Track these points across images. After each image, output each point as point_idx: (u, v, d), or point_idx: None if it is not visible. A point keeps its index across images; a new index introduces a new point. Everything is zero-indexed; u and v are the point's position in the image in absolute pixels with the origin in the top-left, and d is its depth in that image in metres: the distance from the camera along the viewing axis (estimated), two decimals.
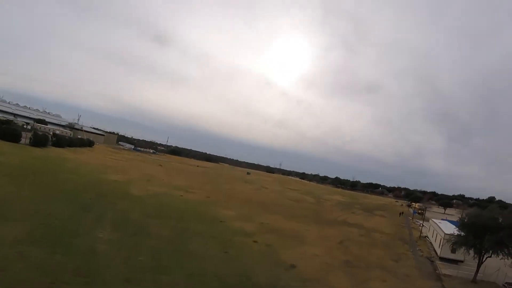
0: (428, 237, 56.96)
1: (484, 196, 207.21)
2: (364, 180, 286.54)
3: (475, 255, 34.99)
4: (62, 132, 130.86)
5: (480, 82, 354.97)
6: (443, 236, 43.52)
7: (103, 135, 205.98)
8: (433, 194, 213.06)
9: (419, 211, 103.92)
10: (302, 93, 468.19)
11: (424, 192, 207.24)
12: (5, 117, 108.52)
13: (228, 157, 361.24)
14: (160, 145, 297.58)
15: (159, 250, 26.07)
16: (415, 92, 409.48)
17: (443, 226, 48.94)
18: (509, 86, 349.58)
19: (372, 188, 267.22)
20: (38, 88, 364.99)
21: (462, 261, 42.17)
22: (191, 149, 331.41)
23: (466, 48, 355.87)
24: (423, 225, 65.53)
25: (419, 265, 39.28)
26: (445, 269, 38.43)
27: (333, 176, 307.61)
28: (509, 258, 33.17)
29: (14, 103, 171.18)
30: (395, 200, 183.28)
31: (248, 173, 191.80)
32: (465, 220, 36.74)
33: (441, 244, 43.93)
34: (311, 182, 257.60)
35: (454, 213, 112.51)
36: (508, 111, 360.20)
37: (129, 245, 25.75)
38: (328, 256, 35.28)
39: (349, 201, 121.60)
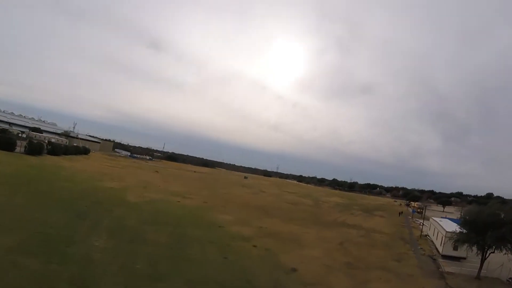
0: (429, 236, 56.58)
1: (482, 193, 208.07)
2: (361, 181, 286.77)
3: (478, 252, 34.75)
4: (58, 140, 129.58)
5: (474, 81, 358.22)
6: (444, 234, 43.18)
7: (99, 142, 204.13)
8: (431, 192, 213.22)
9: (418, 210, 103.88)
10: (297, 96, 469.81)
11: (422, 191, 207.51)
12: (0, 126, 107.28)
13: (225, 162, 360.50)
14: (157, 151, 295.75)
15: (156, 257, 25.43)
16: (410, 92, 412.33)
17: (444, 224, 48.60)
18: (504, 84, 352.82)
19: (370, 188, 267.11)
20: (33, 96, 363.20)
21: (464, 258, 41.87)
22: (187, 155, 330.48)
23: (459, 47, 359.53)
24: (423, 224, 65.10)
25: (422, 264, 38.88)
26: (448, 267, 38.02)
27: (330, 178, 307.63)
28: None
29: (9, 111, 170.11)
30: (394, 200, 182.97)
31: (245, 177, 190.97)
32: (467, 217, 36.50)
33: (442, 242, 43.56)
34: (309, 185, 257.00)
35: (453, 211, 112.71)
36: (503, 109, 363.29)
37: (125, 253, 25.11)
38: (328, 258, 34.75)
39: (347, 202, 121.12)
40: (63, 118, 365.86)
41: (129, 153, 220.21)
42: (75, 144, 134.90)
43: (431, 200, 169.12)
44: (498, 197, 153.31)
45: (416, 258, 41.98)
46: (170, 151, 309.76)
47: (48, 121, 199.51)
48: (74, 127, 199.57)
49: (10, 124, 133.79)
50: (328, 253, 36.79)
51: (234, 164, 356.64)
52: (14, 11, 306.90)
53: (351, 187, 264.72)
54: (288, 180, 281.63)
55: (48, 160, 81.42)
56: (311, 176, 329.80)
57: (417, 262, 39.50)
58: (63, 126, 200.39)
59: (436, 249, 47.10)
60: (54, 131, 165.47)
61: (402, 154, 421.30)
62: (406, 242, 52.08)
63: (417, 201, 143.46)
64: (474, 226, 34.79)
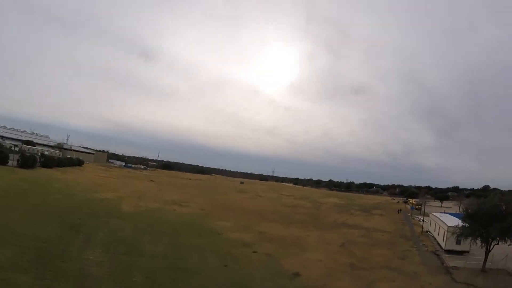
0: (430, 232, 56.02)
1: (478, 186, 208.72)
2: (357, 181, 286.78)
3: (483, 244, 34.37)
4: (51, 153, 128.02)
5: (462, 76, 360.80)
6: (446, 229, 42.69)
7: (93, 153, 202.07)
8: (428, 188, 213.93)
9: (417, 207, 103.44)
10: (290, 100, 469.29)
11: (419, 188, 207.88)
12: None
13: (221, 168, 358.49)
14: (151, 160, 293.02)
15: (153, 269, 24.50)
16: (401, 91, 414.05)
17: (445, 219, 48.13)
18: (491, 77, 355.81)
19: (367, 188, 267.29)
20: (26, 109, 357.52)
21: (467, 252, 41.45)
22: (182, 163, 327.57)
23: (446, 43, 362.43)
24: (423, 220, 64.58)
25: (426, 260, 38.36)
26: (452, 262, 37.49)
27: (326, 180, 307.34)
28: None
29: (1, 125, 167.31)
30: (391, 197, 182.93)
31: (241, 183, 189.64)
32: (469, 211, 36.04)
33: (445, 237, 43.01)
34: (306, 187, 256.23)
35: (452, 205, 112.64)
36: (492, 102, 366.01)
37: (121, 266, 24.11)
38: (331, 260, 34.00)
39: (345, 202, 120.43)
40: (56, 130, 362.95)
41: (123, 163, 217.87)
42: (68, 156, 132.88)
43: (428, 196, 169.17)
44: (495, 189, 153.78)
45: (420, 254, 41.38)
46: (164, 160, 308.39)
47: (41, 134, 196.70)
48: (67, 139, 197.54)
49: (2, 137, 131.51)
50: (331, 255, 36.02)
51: (230, 170, 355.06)
52: (4, 23, 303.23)
53: (348, 187, 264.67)
54: (284, 184, 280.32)
55: (41, 172, 79.83)
56: (307, 178, 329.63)
57: (421, 259, 38.94)
58: (57, 138, 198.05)
59: (439, 244, 46.52)
60: (47, 144, 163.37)
61: (396, 152, 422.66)
62: (408, 239, 51.50)
63: (414, 197, 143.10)
64: (477, 218, 34.40)
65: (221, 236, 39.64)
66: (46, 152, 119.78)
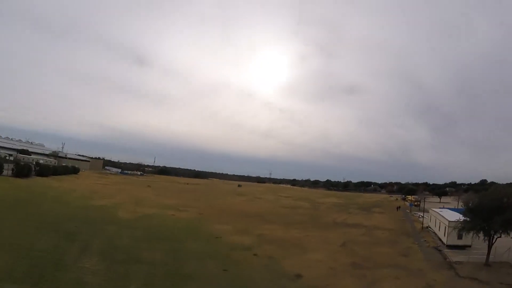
0: (430, 227, 55.72)
1: (475, 180, 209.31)
2: (355, 180, 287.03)
3: (485, 238, 34.20)
4: (46, 161, 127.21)
5: (456, 72, 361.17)
6: (447, 224, 42.45)
7: (88, 161, 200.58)
8: (426, 185, 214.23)
9: (415, 203, 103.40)
10: (285, 102, 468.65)
11: (416, 184, 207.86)
12: None
13: (218, 172, 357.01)
14: (148, 166, 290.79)
15: (152, 276, 23.80)
16: (395, 89, 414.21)
17: (445, 214, 47.90)
18: (484, 72, 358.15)
19: (364, 186, 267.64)
20: (20, 118, 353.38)
21: (469, 246, 41.22)
22: (179, 168, 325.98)
23: (439, 40, 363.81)
24: (423, 217, 64.30)
25: (428, 256, 38.09)
26: (454, 257, 37.21)
27: (324, 180, 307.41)
28: None
29: None
30: (389, 195, 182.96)
31: (239, 185, 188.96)
32: (470, 205, 35.76)
33: (446, 232, 42.69)
34: (303, 188, 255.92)
35: (450, 201, 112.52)
36: (487, 98, 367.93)
37: (119, 274, 23.42)
38: (333, 260, 33.50)
39: (344, 202, 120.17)
40: (51, 138, 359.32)
41: (119, 170, 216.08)
42: (64, 164, 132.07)
43: (426, 192, 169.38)
44: (492, 182, 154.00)
45: (422, 251, 41.07)
46: (161, 165, 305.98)
47: (36, 143, 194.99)
48: (62, 147, 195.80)
49: None
50: (332, 255, 35.53)
51: (227, 173, 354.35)
52: None
53: (346, 186, 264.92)
54: (282, 185, 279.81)
55: (36, 181, 78.76)
56: (304, 179, 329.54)
57: (423, 255, 38.65)
58: (52, 146, 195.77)
59: (440, 240, 46.21)
60: (42, 152, 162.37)
61: (392, 150, 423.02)
62: (409, 236, 51.16)
63: (412, 194, 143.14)
64: (478, 212, 34.18)
65: (220, 240, 39.00)
66: (41, 161, 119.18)
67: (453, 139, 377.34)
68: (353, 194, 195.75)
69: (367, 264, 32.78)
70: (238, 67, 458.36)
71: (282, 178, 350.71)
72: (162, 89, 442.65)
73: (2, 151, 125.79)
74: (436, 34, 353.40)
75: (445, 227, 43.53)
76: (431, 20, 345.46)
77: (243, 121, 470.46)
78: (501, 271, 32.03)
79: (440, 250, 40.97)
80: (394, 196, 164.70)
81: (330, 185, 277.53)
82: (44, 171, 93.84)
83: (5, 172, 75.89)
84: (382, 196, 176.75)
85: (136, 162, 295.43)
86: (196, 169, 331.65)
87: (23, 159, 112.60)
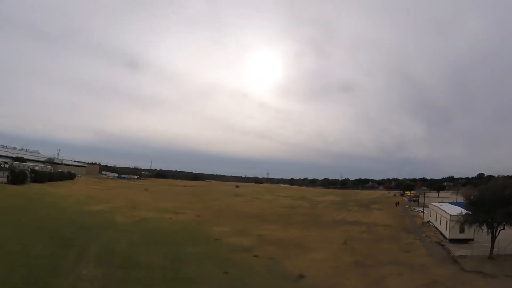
0: (431, 222, 55.31)
1: (472, 174, 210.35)
2: (352, 177, 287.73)
3: (488, 231, 33.87)
4: (42, 168, 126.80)
5: (450, 67, 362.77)
6: (449, 218, 42.00)
7: (84, 166, 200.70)
8: (423, 180, 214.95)
9: (414, 199, 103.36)
10: (280, 102, 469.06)
11: (414, 180, 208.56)
12: None
13: (215, 174, 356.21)
14: (144, 170, 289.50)
15: (150, 281, 23.05)
16: (389, 86, 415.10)
17: (446, 208, 47.55)
18: (478, 67, 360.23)
19: (362, 183, 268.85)
20: (15, 126, 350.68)
21: (472, 240, 40.85)
22: (176, 170, 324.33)
23: (432, 36, 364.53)
24: (423, 212, 63.93)
25: (431, 251, 37.65)
26: (457, 251, 36.81)
27: (321, 178, 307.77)
28: None
29: None
30: (387, 192, 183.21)
31: (237, 186, 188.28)
32: (472, 198, 35.37)
33: (448, 226, 42.26)
34: (301, 187, 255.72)
35: (449, 195, 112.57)
36: (481, 91, 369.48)
37: (116, 280, 22.70)
38: (335, 259, 32.86)
39: (342, 199, 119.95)
40: (46, 145, 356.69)
41: (116, 174, 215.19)
42: (59, 170, 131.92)
43: (424, 188, 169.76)
44: (489, 176, 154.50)
45: (424, 246, 40.62)
46: (158, 168, 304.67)
47: (31, 150, 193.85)
48: (58, 154, 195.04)
49: None
50: (334, 254, 34.91)
51: (224, 175, 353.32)
52: None
53: (344, 184, 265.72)
54: (280, 185, 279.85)
55: (32, 188, 78.12)
56: (302, 178, 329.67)
57: (426, 251, 38.22)
58: (47, 153, 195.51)
59: (442, 234, 45.80)
60: (38, 159, 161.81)
61: (388, 146, 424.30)
62: (410, 231, 50.74)
63: (411, 190, 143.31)
64: (480, 205, 33.88)
65: (219, 242, 38.27)
66: (36, 168, 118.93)
67: (448, 134, 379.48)
68: (351, 191, 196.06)
69: (370, 262, 32.17)
70: (232, 69, 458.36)
71: (279, 178, 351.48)
72: (156, 93, 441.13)
73: None
74: (428, 30, 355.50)
75: (447, 221, 43.13)
76: (423, 17, 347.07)
77: (239, 122, 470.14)
78: (505, 264, 31.63)
79: (442, 245, 40.56)
80: (393, 192, 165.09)
81: (328, 184, 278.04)
82: (39, 177, 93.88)
83: (0, 180, 75.42)
84: (380, 193, 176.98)
85: (133, 166, 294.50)
86: (194, 172, 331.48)
87: (19, 166, 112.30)
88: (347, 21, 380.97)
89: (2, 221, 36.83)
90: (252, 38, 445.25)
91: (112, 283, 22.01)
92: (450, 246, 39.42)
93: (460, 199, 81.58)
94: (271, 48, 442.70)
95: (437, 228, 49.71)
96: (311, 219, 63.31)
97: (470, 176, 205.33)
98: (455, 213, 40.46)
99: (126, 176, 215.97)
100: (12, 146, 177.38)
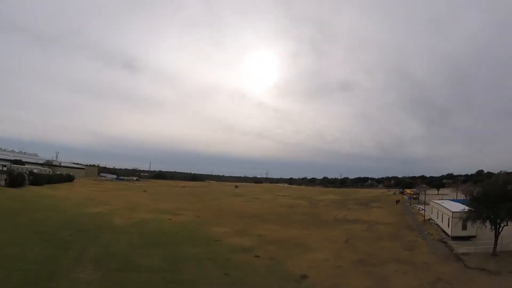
0: (432, 220, 54.90)
1: (471, 171, 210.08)
2: (352, 176, 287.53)
3: (492, 227, 33.64)
4: (41, 171, 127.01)
5: (448, 65, 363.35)
6: (451, 215, 41.54)
7: (83, 168, 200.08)
8: (423, 178, 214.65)
9: (414, 196, 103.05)
10: (278, 101, 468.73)
11: (413, 178, 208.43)
12: None
13: (214, 174, 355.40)
14: (143, 171, 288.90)
15: (149, 284, 22.59)
16: (388, 84, 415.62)
17: (447, 205, 47.17)
18: (476, 65, 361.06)
19: (361, 182, 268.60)
20: (13, 129, 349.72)
21: (474, 236, 40.54)
22: (175, 171, 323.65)
23: (430, 34, 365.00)
24: (425, 209, 63.55)
25: (434, 249, 37.39)
26: (460, 248, 36.45)
27: (321, 177, 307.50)
28: None
29: None
30: (387, 190, 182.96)
31: (236, 186, 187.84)
32: (474, 194, 35.02)
33: (450, 223, 41.84)
34: (301, 186, 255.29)
35: (449, 192, 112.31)
36: (478, 88, 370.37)
37: (114, 283, 22.23)
38: (338, 258, 32.43)
39: (342, 198, 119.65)
40: (45, 148, 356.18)
41: (115, 176, 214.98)
42: (58, 173, 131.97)
43: (424, 185, 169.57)
44: (489, 172, 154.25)
45: (426, 244, 40.31)
46: (157, 170, 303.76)
47: (30, 153, 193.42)
48: (57, 156, 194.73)
49: None
50: (336, 253, 34.49)
51: (224, 175, 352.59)
52: None
53: (343, 183, 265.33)
54: (279, 184, 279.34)
55: (30, 190, 77.79)
56: (301, 177, 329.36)
57: (429, 248, 37.98)
58: (46, 156, 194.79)
59: (444, 231, 45.41)
60: (36, 162, 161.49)
61: (388, 145, 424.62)
62: (411, 229, 50.38)
63: (411, 188, 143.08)
64: (483, 201, 33.65)
65: (219, 243, 37.77)
66: (35, 170, 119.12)
67: (447, 132, 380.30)
68: (350, 190, 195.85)
69: (373, 260, 31.75)
70: (230, 69, 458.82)
71: (279, 177, 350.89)
72: (155, 94, 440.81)
73: None
74: (426, 29, 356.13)
75: (449, 218, 42.73)
76: (421, 15, 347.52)
77: (237, 122, 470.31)
78: (509, 260, 31.29)
79: (445, 242, 40.19)
80: (392, 191, 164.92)
81: (327, 182, 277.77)
82: (38, 180, 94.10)
83: None
84: (379, 191, 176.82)
85: (132, 168, 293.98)
86: (193, 172, 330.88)
87: (17, 169, 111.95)
88: (345, 20, 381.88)
89: None
90: (251, 38, 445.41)
91: (110, 286, 21.54)
92: (452, 243, 39.04)
93: (460, 196, 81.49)
94: (269, 48, 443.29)
95: (438, 226, 49.31)
96: (312, 218, 62.83)
97: (469, 174, 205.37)
98: (457, 210, 40.09)
99: (125, 177, 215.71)
100: (10, 149, 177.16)
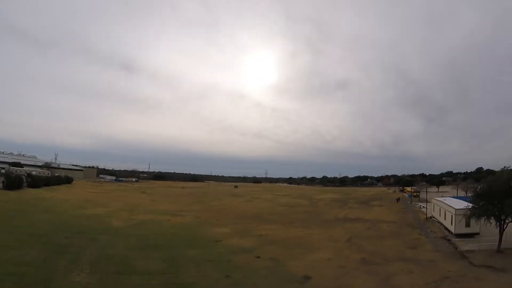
0: (434, 217, 54.32)
1: (471, 168, 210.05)
2: (351, 175, 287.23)
3: (497, 224, 33.25)
4: (39, 173, 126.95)
5: (446, 62, 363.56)
6: (454, 212, 40.96)
7: (82, 170, 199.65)
8: (422, 176, 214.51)
9: (414, 194, 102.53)
10: (276, 101, 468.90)
11: (413, 176, 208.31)
12: None
13: (214, 174, 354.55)
14: (142, 172, 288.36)
15: None
16: (385, 82, 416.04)
17: (450, 202, 46.63)
18: (473, 61, 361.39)
19: (361, 181, 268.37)
20: (12, 131, 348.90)
21: (478, 234, 40.06)
22: (174, 172, 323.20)
23: (427, 31, 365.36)
24: (426, 207, 63.00)
25: (438, 247, 36.80)
26: (465, 245, 35.91)
27: (320, 176, 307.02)
28: None
29: None
30: (387, 188, 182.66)
31: (235, 187, 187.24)
32: (478, 190, 34.51)
33: (453, 220, 41.26)
34: (300, 186, 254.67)
35: (449, 190, 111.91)
36: (475, 85, 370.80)
37: (112, 287, 21.57)
38: (341, 258, 31.74)
39: (342, 197, 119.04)
40: (44, 150, 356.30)
41: (114, 178, 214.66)
42: (57, 175, 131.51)
43: (423, 183, 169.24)
44: (488, 170, 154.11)
45: (430, 242, 39.73)
46: (156, 171, 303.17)
47: (28, 155, 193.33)
48: (55, 158, 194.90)
49: None
50: (339, 253, 33.79)
51: (223, 176, 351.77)
52: None
53: (342, 181, 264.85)
54: (278, 184, 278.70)
55: (28, 193, 77.21)
56: (300, 177, 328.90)
57: (432, 246, 37.40)
58: (45, 158, 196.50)
59: (447, 229, 44.82)
60: (35, 164, 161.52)
61: (386, 143, 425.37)
62: (414, 227, 49.79)
63: (410, 186, 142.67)
64: (488, 197, 33.21)
65: (219, 244, 37.07)
66: (33, 172, 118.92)
67: (446, 129, 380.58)
68: (350, 189, 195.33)
69: (377, 259, 31.11)
70: (228, 69, 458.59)
71: (278, 177, 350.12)
72: (153, 95, 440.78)
73: None
74: (423, 25, 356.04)
75: (452, 216, 42.14)
76: (418, 12, 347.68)
77: (236, 123, 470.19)
78: None
79: (449, 240, 39.61)
80: (392, 189, 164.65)
81: (326, 182, 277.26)
82: (36, 182, 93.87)
83: None
84: (379, 189, 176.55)
85: (131, 169, 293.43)
86: (192, 173, 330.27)
87: (15, 171, 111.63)
88: (342, 19, 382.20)
89: None
90: (249, 38, 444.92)
91: None
92: (456, 240, 38.47)
93: (461, 194, 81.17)
94: (267, 48, 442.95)
95: (441, 223, 48.74)
96: (312, 217, 62.21)
97: (468, 171, 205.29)
98: (460, 207, 39.53)
99: (124, 179, 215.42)
100: (9, 152, 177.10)
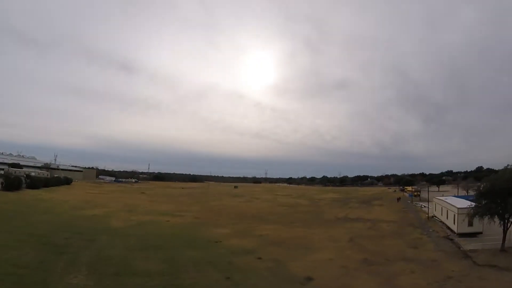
0: (436, 217, 53.94)
1: (471, 167, 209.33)
2: (351, 174, 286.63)
3: (500, 223, 32.96)
4: (38, 174, 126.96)
5: (445, 61, 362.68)
6: (457, 211, 40.56)
7: (81, 171, 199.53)
8: (422, 175, 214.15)
9: (415, 194, 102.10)
10: (275, 101, 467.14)
11: (413, 175, 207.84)
12: None
13: (213, 175, 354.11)
14: (142, 173, 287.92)
15: None
16: (384, 82, 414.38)
17: (452, 201, 46.24)
18: (472, 60, 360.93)
19: (361, 180, 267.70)
20: (11, 132, 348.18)
21: (480, 233, 39.66)
22: (174, 173, 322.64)
23: (425, 30, 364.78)
24: (428, 206, 62.57)
25: (440, 246, 36.50)
26: (467, 245, 35.54)
27: (320, 176, 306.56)
28: None
29: None
30: (387, 188, 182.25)
31: (235, 187, 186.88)
32: (481, 189, 34.15)
33: (456, 219, 40.87)
34: (300, 186, 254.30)
35: (449, 189, 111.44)
36: (475, 84, 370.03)
37: None
38: (343, 258, 31.43)
39: (342, 197, 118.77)
40: (43, 151, 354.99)
41: (113, 178, 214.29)
42: (56, 176, 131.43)
43: (424, 182, 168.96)
44: (488, 169, 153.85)
45: (432, 241, 39.41)
46: (156, 171, 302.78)
47: (27, 156, 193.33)
48: (55, 159, 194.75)
49: None
50: (341, 253, 33.47)
51: (223, 176, 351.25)
52: None
53: (342, 181, 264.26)
54: (278, 184, 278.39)
55: (27, 194, 77.17)
56: (300, 177, 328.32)
57: (435, 246, 37.12)
58: (44, 159, 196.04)
59: (449, 228, 44.46)
60: (34, 165, 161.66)
61: (386, 142, 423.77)
62: (415, 227, 49.45)
63: (411, 185, 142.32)
64: (491, 196, 32.86)
65: (220, 245, 36.72)
66: (32, 173, 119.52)
67: (445, 128, 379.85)
68: (350, 188, 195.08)
69: (379, 259, 30.79)
70: (227, 69, 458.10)
71: (278, 177, 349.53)
72: (150, 96, 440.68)
73: None
74: (421, 26, 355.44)
75: (454, 215, 41.77)
76: (416, 11, 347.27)
77: (235, 123, 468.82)
78: None
79: (451, 239, 39.21)
80: (393, 188, 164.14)
81: (326, 181, 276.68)
82: (35, 183, 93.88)
83: None
84: (380, 189, 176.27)
85: (131, 170, 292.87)
86: (192, 173, 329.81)
87: (15, 172, 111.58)
88: (341, 19, 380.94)
89: None
90: (247, 39, 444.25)
91: None
92: (459, 240, 38.09)
93: (461, 193, 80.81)
94: (266, 47, 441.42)
95: (443, 223, 48.34)
96: (313, 217, 61.89)
97: (468, 170, 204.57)
98: (463, 206, 39.15)
99: (124, 180, 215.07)
100: (8, 153, 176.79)
